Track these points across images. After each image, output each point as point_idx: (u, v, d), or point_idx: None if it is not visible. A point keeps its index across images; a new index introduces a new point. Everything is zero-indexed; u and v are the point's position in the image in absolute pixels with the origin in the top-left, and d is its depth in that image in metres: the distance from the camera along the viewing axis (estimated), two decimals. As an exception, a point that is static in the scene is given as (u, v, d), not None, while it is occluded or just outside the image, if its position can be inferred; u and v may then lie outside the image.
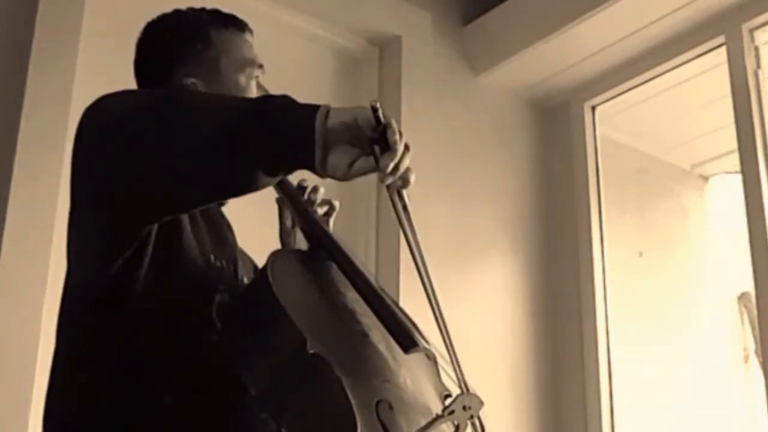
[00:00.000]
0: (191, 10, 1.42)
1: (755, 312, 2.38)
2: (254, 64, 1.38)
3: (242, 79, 1.36)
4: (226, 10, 1.44)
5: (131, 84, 2.10)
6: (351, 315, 1.15)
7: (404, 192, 1.07)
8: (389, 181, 1.02)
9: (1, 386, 1.74)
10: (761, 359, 2.49)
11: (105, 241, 1.12)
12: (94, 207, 1.13)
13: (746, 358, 3.13)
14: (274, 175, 1.03)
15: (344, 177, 1.02)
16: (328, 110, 1.00)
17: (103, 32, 2.11)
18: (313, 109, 1.01)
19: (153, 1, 2.26)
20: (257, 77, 1.39)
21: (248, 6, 2.26)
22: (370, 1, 2.59)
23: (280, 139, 0.99)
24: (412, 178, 1.04)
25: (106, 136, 1.09)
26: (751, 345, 3.12)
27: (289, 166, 1.03)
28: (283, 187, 1.38)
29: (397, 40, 2.60)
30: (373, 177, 1.03)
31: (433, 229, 2.48)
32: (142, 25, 2.20)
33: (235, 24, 1.40)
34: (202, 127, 1.03)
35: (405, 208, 1.08)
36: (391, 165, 1.00)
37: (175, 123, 1.04)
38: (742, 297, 3.16)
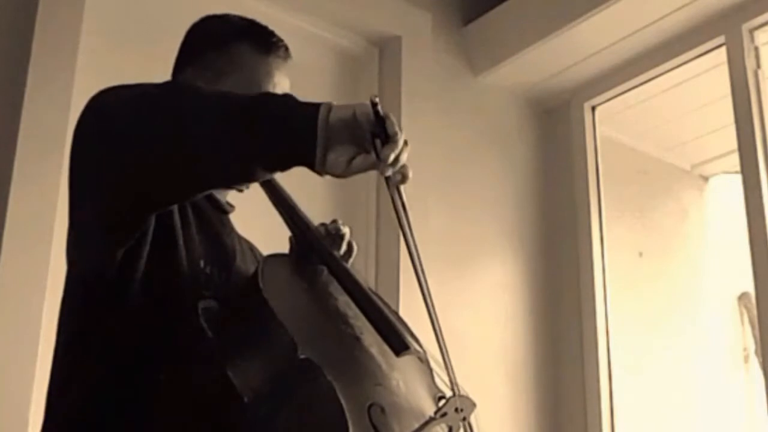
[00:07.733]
0: (232, 17, 1.38)
1: (755, 312, 2.38)
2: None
3: None
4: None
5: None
6: (343, 319, 1.15)
7: (402, 191, 1.07)
8: (389, 172, 1.02)
9: (1, 386, 1.74)
10: (761, 359, 2.49)
11: (105, 231, 1.12)
12: (92, 197, 1.13)
13: (746, 358, 3.13)
14: (272, 170, 1.04)
15: (343, 174, 1.01)
16: (330, 108, 1.01)
17: (103, 32, 2.12)
18: (315, 107, 1.01)
19: (153, 1, 2.28)
20: None
21: (248, 6, 2.26)
22: (370, 1, 2.59)
23: (281, 135, 0.99)
24: (410, 173, 1.05)
25: (103, 125, 1.10)
26: (751, 345, 3.11)
27: (289, 162, 1.03)
28: (271, 189, 1.37)
29: (397, 40, 2.60)
30: (372, 178, 1.03)
31: (433, 229, 2.48)
32: (141, 25, 2.22)
33: (261, 44, 1.33)
34: (203, 118, 1.03)
35: (404, 206, 1.08)
36: (392, 156, 1.00)
37: (174, 113, 1.04)
38: (742, 297, 3.16)
